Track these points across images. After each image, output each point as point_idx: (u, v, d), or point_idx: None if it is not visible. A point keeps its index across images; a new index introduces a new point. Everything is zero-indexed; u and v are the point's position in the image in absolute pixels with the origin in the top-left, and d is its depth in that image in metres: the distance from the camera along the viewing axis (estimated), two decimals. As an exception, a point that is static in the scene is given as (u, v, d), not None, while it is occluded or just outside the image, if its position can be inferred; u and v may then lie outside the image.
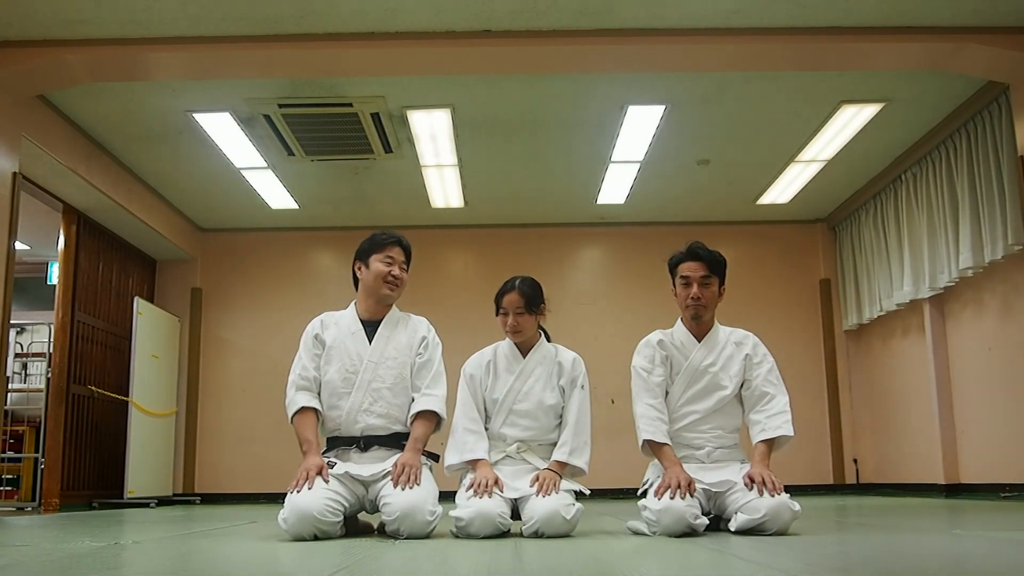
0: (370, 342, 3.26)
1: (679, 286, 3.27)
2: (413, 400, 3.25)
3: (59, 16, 4.66)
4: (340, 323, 3.33)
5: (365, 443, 3.20)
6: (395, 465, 3.04)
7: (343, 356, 3.25)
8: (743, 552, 2.40)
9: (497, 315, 3.33)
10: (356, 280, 3.36)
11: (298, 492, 2.92)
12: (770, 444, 3.13)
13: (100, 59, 4.95)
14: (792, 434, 3.14)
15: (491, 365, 3.36)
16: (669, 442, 3.14)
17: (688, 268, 3.23)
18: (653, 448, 3.16)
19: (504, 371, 3.33)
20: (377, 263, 3.26)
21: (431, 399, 3.22)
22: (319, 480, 2.97)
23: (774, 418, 3.15)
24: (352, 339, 3.27)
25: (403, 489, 2.95)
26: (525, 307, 3.27)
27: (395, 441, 3.21)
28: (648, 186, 7.51)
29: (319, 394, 3.26)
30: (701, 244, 3.27)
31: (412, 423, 3.20)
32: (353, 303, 3.37)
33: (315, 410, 3.21)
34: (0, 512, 6.04)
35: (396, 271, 3.28)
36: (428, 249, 8.37)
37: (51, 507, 6.34)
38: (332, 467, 3.09)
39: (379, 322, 3.30)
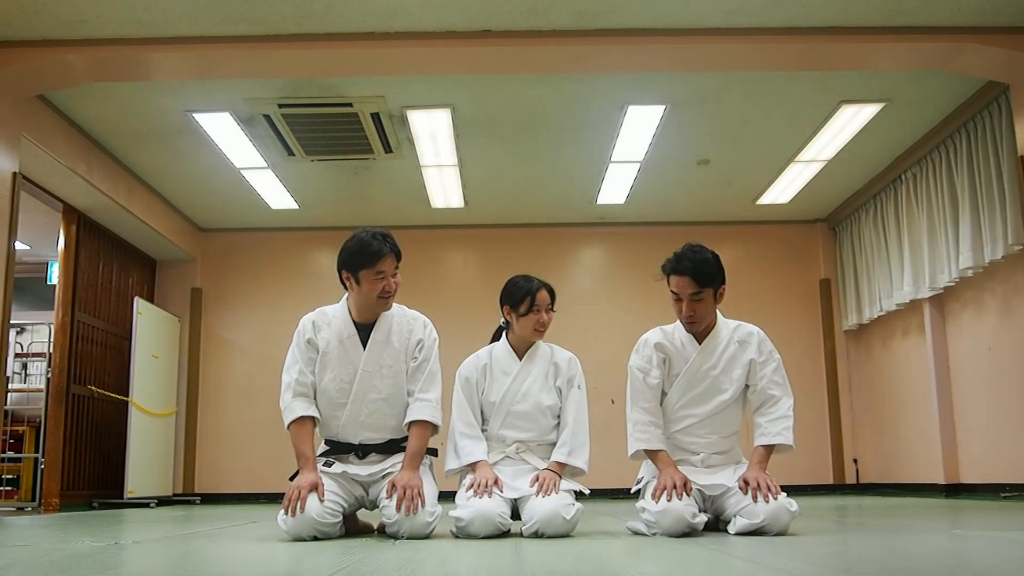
0: (364, 346, 3.17)
1: (672, 300, 3.14)
2: (408, 405, 3.18)
3: (59, 16, 4.65)
4: (333, 325, 3.20)
5: (363, 451, 3.18)
6: (393, 485, 2.97)
7: (336, 365, 3.16)
8: (743, 552, 2.40)
9: (523, 315, 3.27)
10: (344, 282, 3.22)
11: (292, 515, 2.85)
12: (769, 449, 3.09)
13: (100, 59, 4.95)
14: (790, 444, 3.08)
15: (487, 368, 3.34)
16: (663, 447, 3.11)
17: (676, 284, 3.08)
18: (648, 453, 3.13)
19: (500, 373, 3.32)
20: (368, 282, 3.08)
21: (424, 407, 3.12)
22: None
23: (775, 423, 3.10)
24: (346, 345, 3.17)
25: (407, 515, 2.91)
26: (552, 304, 3.31)
27: (393, 446, 3.19)
28: (648, 186, 7.51)
29: (316, 398, 3.19)
30: (691, 252, 3.09)
31: (408, 429, 3.14)
32: (345, 300, 3.25)
33: (312, 418, 3.14)
34: (0, 512, 6.04)
35: (389, 285, 3.12)
36: (428, 249, 8.40)
37: (51, 507, 6.34)
38: (330, 466, 3.09)
39: (373, 323, 3.19)
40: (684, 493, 2.91)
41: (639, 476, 3.27)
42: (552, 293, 3.33)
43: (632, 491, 3.24)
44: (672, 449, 3.16)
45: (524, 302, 3.27)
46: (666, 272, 3.14)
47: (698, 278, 3.05)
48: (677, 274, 3.08)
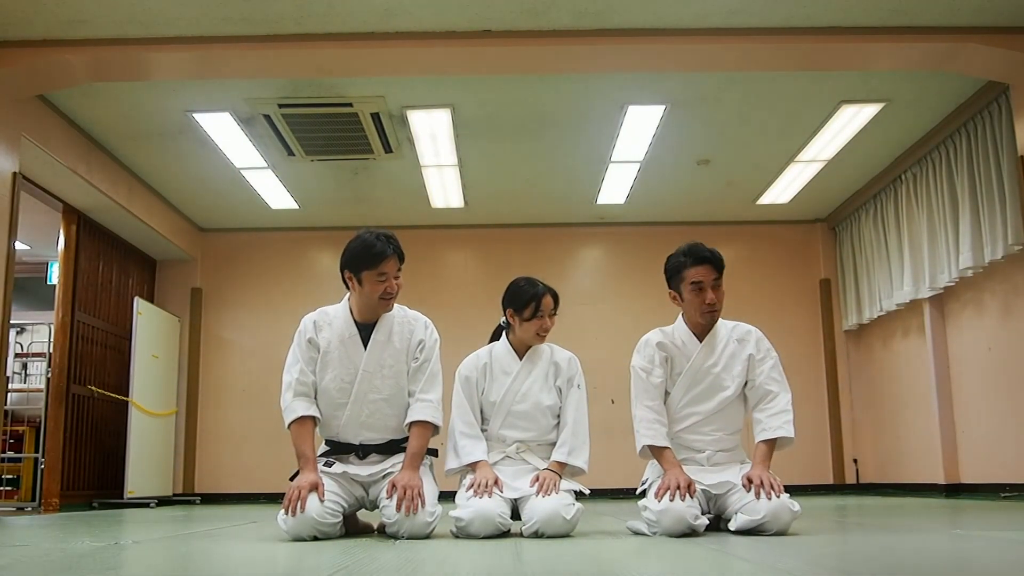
0: (365, 346, 3.17)
1: (690, 292, 3.16)
2: (409, 405, 3.19)
3: (59, 16, 4.66)
4: (334, 325, 3.20)
5: (363, 451, 3.18)
6: (393, 484, 2.97)
7: (337, 365, 3.15)
8: (743, 552, 2.40)
9: (527, 319, 3.27)
10: (346, 282, 3.22)
11: (292, 515, 2.86)
12: (771, 445, 3.10)
13: (100, 59, 4.95)
14: (792, 436, 3.10)
15: (487, 367, 3.34)
16: (669, 445, 3.12)
17: (700, 274, 3.14)
18: (653, 451, 3.14)
19: (500, 373, 3.32)
20: (370, 283, 3.09)
21: (425, 407, 3.12)
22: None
23: (775, 418, 3.12)
24: (347, 345, 3.16)
25: (407, 515, 2.91)
26: (556, 309, 3.31)
27: (393, 447, 3.19)
28: (648, 186, 7.51)
29: (316, 398, 3.19)
30: (702, 245, 3.19)
31: (409, 430, 3.14)
32: (347, 300, 3.25)
33: (313, 418, 3.14)
34: (0, 512, 6.04)
35: (392, 287, 3.12)
36: (428, 249, 8.40)
37: (51, 507, 6.34)
38: (330, 466, 3.09)
39: (375, 324, 3.19)
40: (688, 495, 2.91)
41: (644, 478, 3.27)
42: (556, 298, 3.32)
43: (637, 492, 3.25)
44: (677, 448, 3.18)
45: (528, 307, 3.27)
46: (681, 267, 3.18)
47: (716, 265, 3.17)
48: (700, 263, 3.15)
